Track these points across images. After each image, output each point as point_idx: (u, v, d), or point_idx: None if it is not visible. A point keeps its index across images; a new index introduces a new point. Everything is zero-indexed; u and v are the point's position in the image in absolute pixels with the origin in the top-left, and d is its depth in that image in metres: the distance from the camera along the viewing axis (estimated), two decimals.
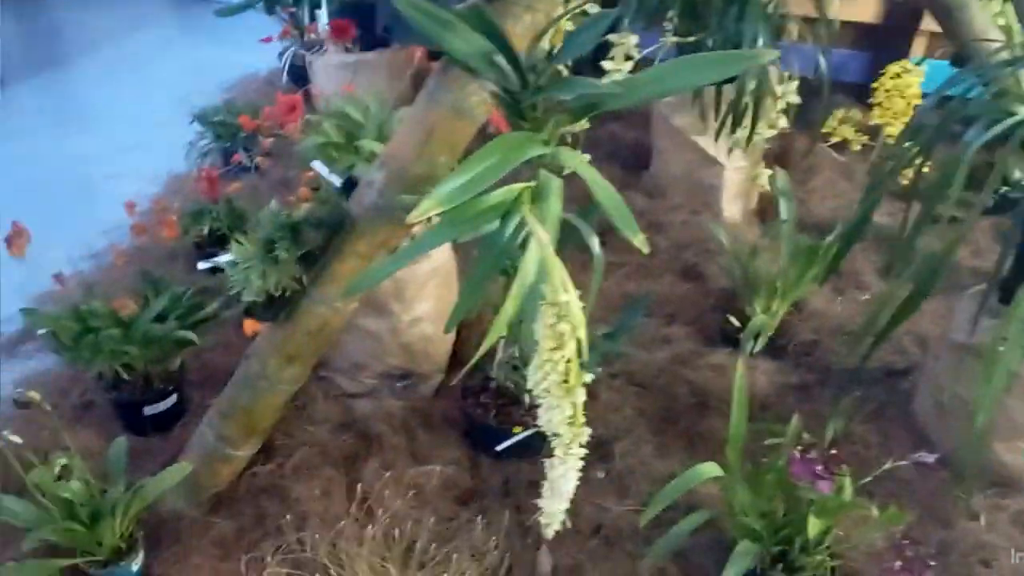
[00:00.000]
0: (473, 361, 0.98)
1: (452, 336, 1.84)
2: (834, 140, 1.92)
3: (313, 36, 3.00)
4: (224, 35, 4.26)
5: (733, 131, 2.11)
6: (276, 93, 3.08)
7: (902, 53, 3.05)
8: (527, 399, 1.57)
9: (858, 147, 1.89)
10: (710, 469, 1.24)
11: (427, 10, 0.82)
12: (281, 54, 3.29)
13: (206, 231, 2.12)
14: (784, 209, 1.90)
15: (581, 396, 0.86)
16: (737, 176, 2.38)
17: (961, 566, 1.40)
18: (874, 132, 1.84)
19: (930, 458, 1.26)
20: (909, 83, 1.61)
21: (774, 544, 1.29)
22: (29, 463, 1.29)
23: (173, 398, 1.66)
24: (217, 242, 2.12)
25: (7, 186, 2.76)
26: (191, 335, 1.56)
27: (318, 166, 1.72)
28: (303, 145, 1.56)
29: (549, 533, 1.01)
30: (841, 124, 1.91)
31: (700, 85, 0.79)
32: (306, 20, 2.95)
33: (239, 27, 4.30)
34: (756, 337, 1.91)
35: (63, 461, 1.22)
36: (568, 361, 0.84)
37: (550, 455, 0.87)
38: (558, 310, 0.83)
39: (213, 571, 1.36)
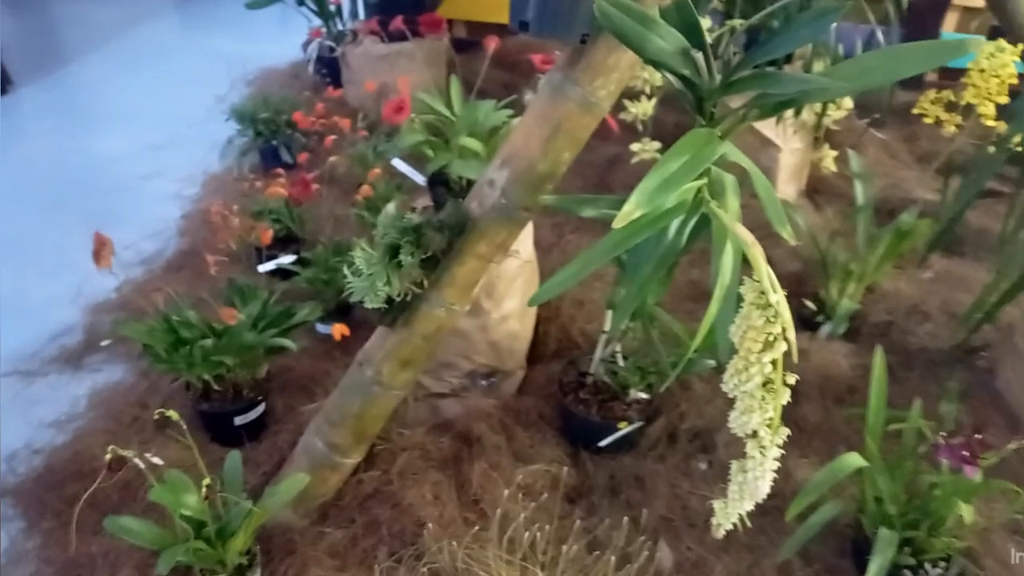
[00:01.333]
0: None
1: (531, 332, 1.82)
2: (926, 120, 1.92)
3: (344, 28, 2.93)
4: (234, 27, 4.18)
5: (798, 113, 2.10)
6: (317, 87, 3.05)
7: (935, 29, 3.05)
8: (631, 394, 1.56)
9: (952, 128, 1.89)
10: (854, 460, 1.23)
11: (629, 7, 0.79)
12: (305, 45, 3.22)
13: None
14: (860, 192, 1.90)
15: (785, 398, 0.85)
16: (793, 158, 2.38)
17: None
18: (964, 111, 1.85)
19: None
20: (1004, 62, 1.60)
21: (903, 529, 1.29)
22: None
23: (262, 407, 1.63)
24: (277, 244, 2.07)
25: (38, 191, 2.68)
26: (287, 342, 1.53)
27: (400, 165, 1.69)
28: (401, 142, 1.51)
29: (720, 533, 1.01)
30: (933, 104, 1.91)
31: (905, 76, 0.77)
32: (347, 13, 2.87)
33: (247, 18, 4.22)
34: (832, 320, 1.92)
35: (207, 481, 1.19)
36: (774, 363, 0.82)
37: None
38: (769, 312, 0.81)
39: None
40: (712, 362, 1.49)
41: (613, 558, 1.34)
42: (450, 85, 1.66)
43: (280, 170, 2.03)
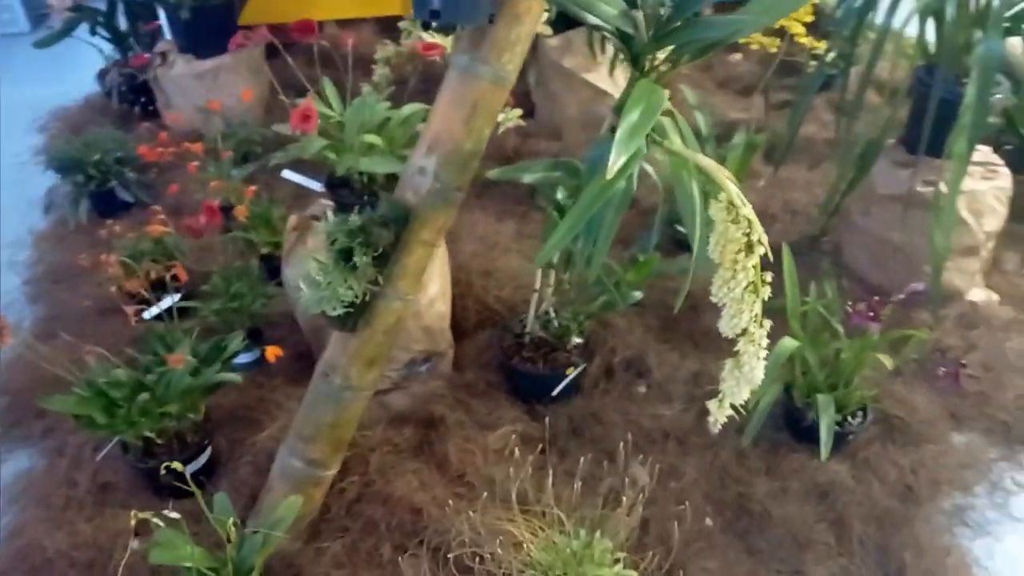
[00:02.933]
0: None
1: (449, 310, 1.88)
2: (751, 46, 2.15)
3: (148, 52, 2.75)
4: None
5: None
6: (126, 119, 2.83)
7: None
8: (571, 341, 1.67)
9: (773, 49, 2.14)
10: (789, 343, 1.42)
11: None
12: (101, 76, 2.98)
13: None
14: (702, 122, 2.12)
15: (766, 294, 0.99)
16: None
17: None
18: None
19: (920, 287, 1.54)
20: None
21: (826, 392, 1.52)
22: None
23: (208, 450, 1.57)
24: (155, 288, 1.95)
25: None
26: (232, 376, 1.48)
27: (291, 175, 1.68)
28: (306, 150, 1.49)
29: (717, 428, 1.15)
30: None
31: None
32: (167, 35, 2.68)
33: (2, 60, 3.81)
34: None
35: (233, 520, 1.15)
36: (755, 266, 0.96)
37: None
38: (743, 224, 0.94)
39: None
40: (639, 294, 1.63)
41: (602, 490, 1.47)
42: (323, 87, 1.66)
43: (213, 203, 1.87)
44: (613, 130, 1.16)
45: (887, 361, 1.45)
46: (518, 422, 1.64)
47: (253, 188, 1.91)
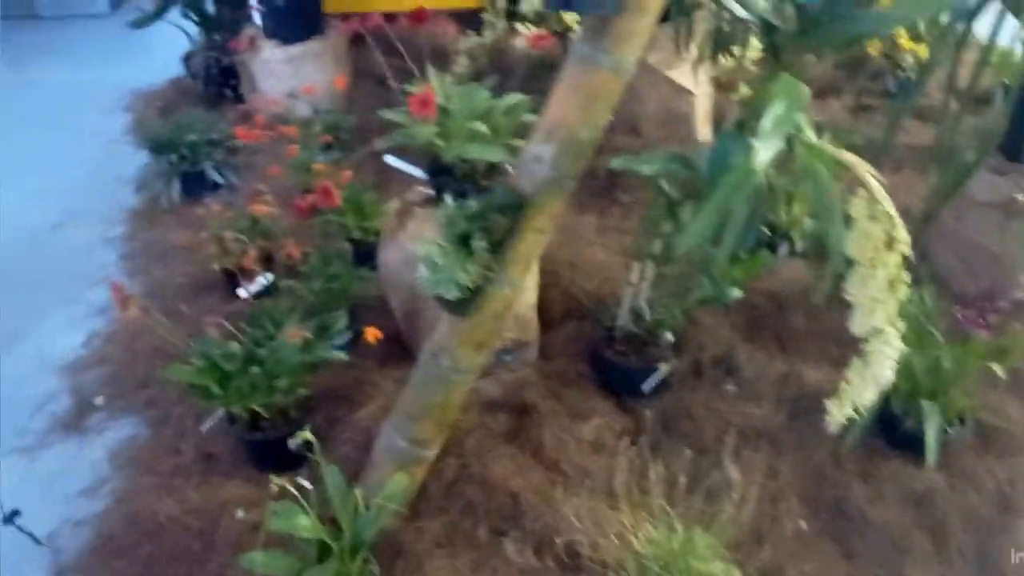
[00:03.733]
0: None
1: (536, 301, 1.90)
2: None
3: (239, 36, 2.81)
4: (65, 54, 3.85)
5: (715, 59, 2.28)
6: (213, 102, 2.90)
7: None
8: (667, 337, 1.68)
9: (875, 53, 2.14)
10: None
11: None
12: (186, 59, 3.06)
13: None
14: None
15: (903, 294, 0.99)
16: (705, 102, 2.57)
17: None
18: None
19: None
20: None
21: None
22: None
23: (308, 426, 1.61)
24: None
25: None
26: (340, 354, 1.52)
27: (392, 160, 1.71)
28: (417, 137, 1.52)
29: (835, 426, 1.15)
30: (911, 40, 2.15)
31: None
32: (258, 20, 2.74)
33: (78, 44, 3.93)
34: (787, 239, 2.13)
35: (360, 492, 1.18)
36: (896, 264, 0.96)
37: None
38: (885, 220, 0.94)
39: (453, 571, 1.38)
40: (738, 292, 1.63)
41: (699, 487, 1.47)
42: (426, 75, 1.68)
43: (264, 188, 1.93)
44: (740, 125, 1.18)
45: (999, 369, 1.43)
46: (609, 414, 1.66)
47: (349, 173, 1.95)
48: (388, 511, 1.31)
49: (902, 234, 0.93)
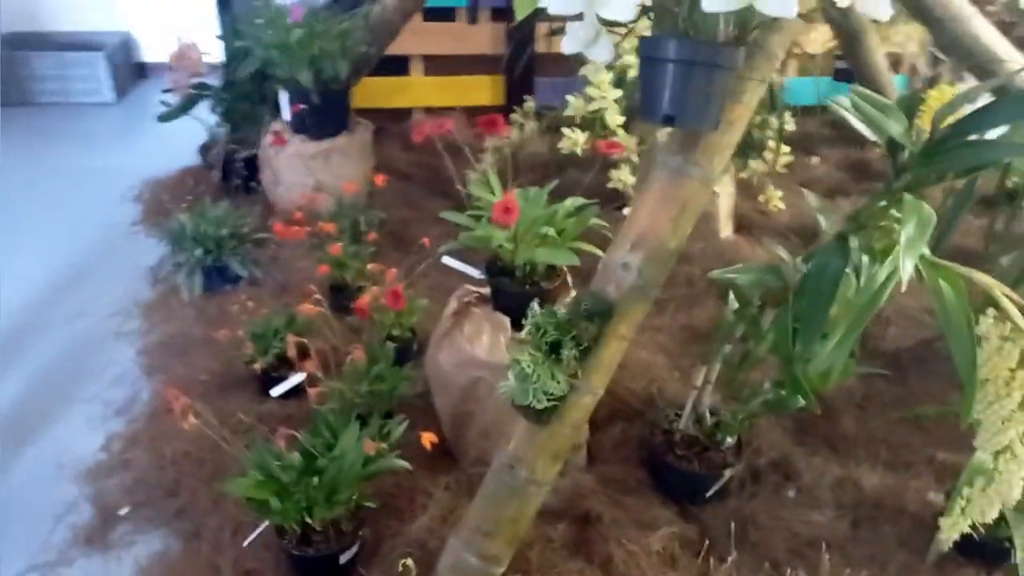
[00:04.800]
0: None
1: None
2: None
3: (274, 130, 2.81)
4: (73, 139, 3.81)
5: (745, 162, 2.34)
6: (228, 194, 2.87)
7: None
8: (728, 441, 1.65)
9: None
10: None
11: (872, 100, 0.90)
12: (204, 150, 3.05)
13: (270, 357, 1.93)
14: (824, 222, 2.15)
15: None
16: (728, 201, 2.63)
17: None
18: None
19: None
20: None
21: None
22: None
23: (359, 540, 1.53)
24: (282, 366, 1.94)
25: None
26: (402, 462, 1.46)
27: (450, 261, 1.69)
28: (469, 240, 1.51)
29: (947, 546, 1.12)
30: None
31: None
32: (280, 113, 2.76)
33: (84, 129, 3.91)
34: None
35: None
36: None
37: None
38: (1021, 342, 0.94)
39: None
40: (802, 400, 1.61)
41: None
42: (488, 176, 1.69)
43: (275, 285, 1.91)
44: (842, 238, 1.18)
45: None
46: (675, 523, 1.60)
47: (393, 271, 1.92)
48: None
49: None
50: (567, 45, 1.19)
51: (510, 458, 1.36)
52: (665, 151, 1.32)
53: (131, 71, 4.43)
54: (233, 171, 2.82)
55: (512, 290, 1.63)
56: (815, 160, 3.40)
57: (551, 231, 1.54)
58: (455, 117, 3.55)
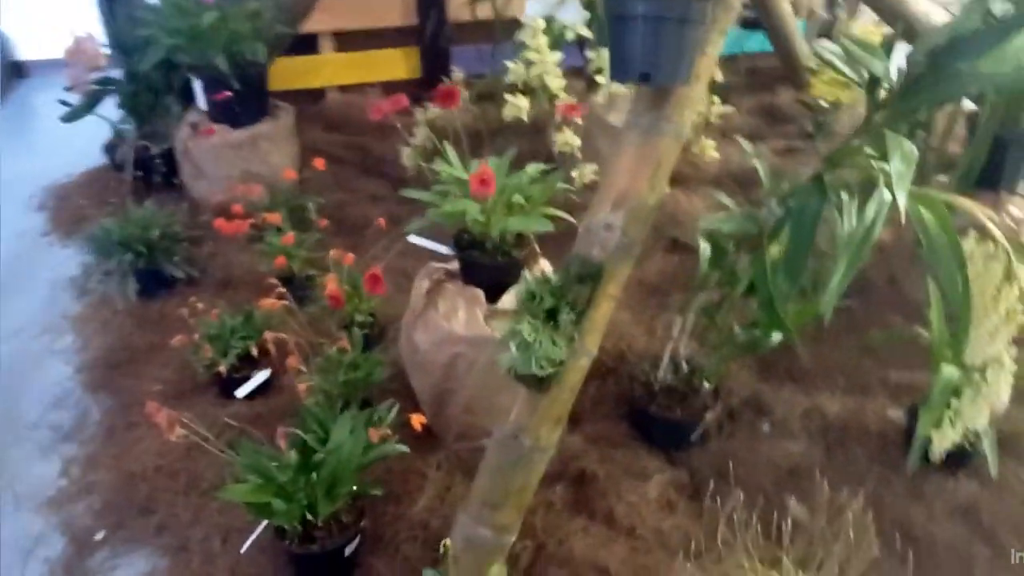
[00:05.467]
0: None
1: None
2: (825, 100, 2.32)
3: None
4: None
5: None
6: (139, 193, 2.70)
7: None
8: (706, 386, 1.70)
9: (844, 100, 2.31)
10: (950, 372, 1.48)
11: (863, 43, 0.94)
12: (109, 149, 2.86)
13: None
14: (763, 170, 2.22)
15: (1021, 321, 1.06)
16: None
17: None
18: None
19: None
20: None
21: None
22: None
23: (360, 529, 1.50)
24: (243, 366, 1.87)
25: None
26: (401, 447, 1.44)
27: (417, 240, 1.67)
28: (438, 216, 1.49)
29: (941, 455, 1.20)
30: (825, 85, 2.31)
31: None
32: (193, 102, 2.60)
33: None
34: None
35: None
36: (1018, 295, 1.03)
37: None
38: (1005, 257, 1.01)
39: None
40: (779, 336, 1.67)
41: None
42: (445, 151, 1.66)
43: (214, 282, 1.83)
44: (817, 179, 1.23)
45: None
46: (664, 471, 1.65)
47: (351, 256, 1.87)
48: None
49: (1022, 269, 1.00)
50: (532, 7, 1.18)
51: (513, 429, 1.36)
52: (634, 111, 1.33)
53: (8, 71, 4.09)
54: (152, 168, 2.66)
55: (484, 262, 1.62)
56: (730, 109, 3.50)
57: (521, 199, 1.53)
58: (370, 93, 3.48)
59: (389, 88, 3.48)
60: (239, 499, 1.32)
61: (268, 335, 1.53)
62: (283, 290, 1.69)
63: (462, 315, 1.63)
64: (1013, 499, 1.62)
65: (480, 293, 1.65)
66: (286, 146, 2.65)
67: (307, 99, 3.38)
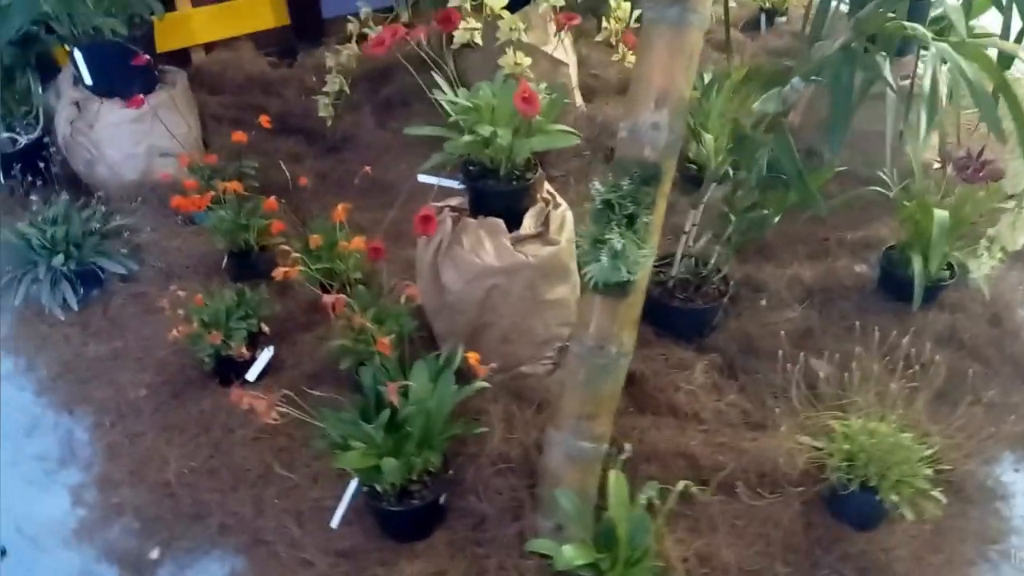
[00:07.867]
0: None
1: None
2: None
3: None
4: None
5: (599, 27, 2.43)
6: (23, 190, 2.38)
7: None
8: (717, 273, 1.81)
9: None
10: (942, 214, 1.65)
11: None
12: None
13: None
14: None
15: None
16: (575, 71, 2.72)
17: None
18: None
19: None
20: None
21: None
22: None
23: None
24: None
25: None
26: (483, 384, 1.42)
27: (427, 178, 1.62)
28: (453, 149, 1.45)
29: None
30: None
31: None
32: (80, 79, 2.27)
33: None
34: None
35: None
36: None
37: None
38: None
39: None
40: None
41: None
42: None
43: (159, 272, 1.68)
44: (845, 47, 1.32)
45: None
46: (700, 358, 1.75)
47: (343, 204, 1.77)
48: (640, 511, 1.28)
49: None
50: None
51: (596, 340, 1.38)
52: (657, 5, 1.34)
53: None
54: (48, 159, 2.33)
55: (499, 190, 1.60)
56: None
57: (539, 117, 1.52)
58: (242, 49, 3.21)
59: (261, 41, 3.25)
60: (352, 466, 1.26)
61: (326, 298, 1.43)
62: (297, 255, 1.58)
63: (489, 246, 1.61)
64: (979, 321, 1.87)
65: (500, 223, 1.62)
66: (188, 113, 2.41)
67: (169, 63, 3.06)
